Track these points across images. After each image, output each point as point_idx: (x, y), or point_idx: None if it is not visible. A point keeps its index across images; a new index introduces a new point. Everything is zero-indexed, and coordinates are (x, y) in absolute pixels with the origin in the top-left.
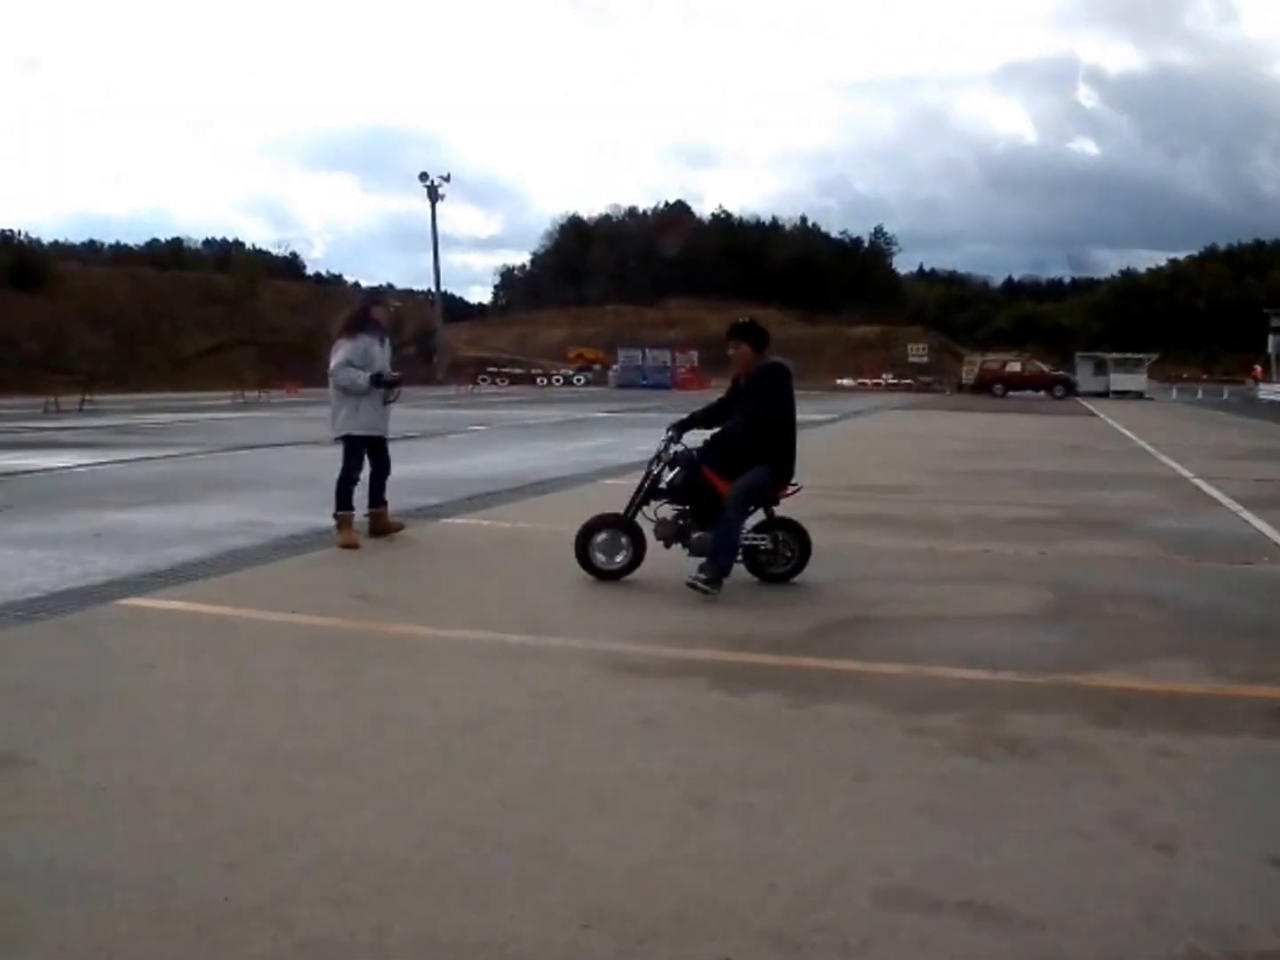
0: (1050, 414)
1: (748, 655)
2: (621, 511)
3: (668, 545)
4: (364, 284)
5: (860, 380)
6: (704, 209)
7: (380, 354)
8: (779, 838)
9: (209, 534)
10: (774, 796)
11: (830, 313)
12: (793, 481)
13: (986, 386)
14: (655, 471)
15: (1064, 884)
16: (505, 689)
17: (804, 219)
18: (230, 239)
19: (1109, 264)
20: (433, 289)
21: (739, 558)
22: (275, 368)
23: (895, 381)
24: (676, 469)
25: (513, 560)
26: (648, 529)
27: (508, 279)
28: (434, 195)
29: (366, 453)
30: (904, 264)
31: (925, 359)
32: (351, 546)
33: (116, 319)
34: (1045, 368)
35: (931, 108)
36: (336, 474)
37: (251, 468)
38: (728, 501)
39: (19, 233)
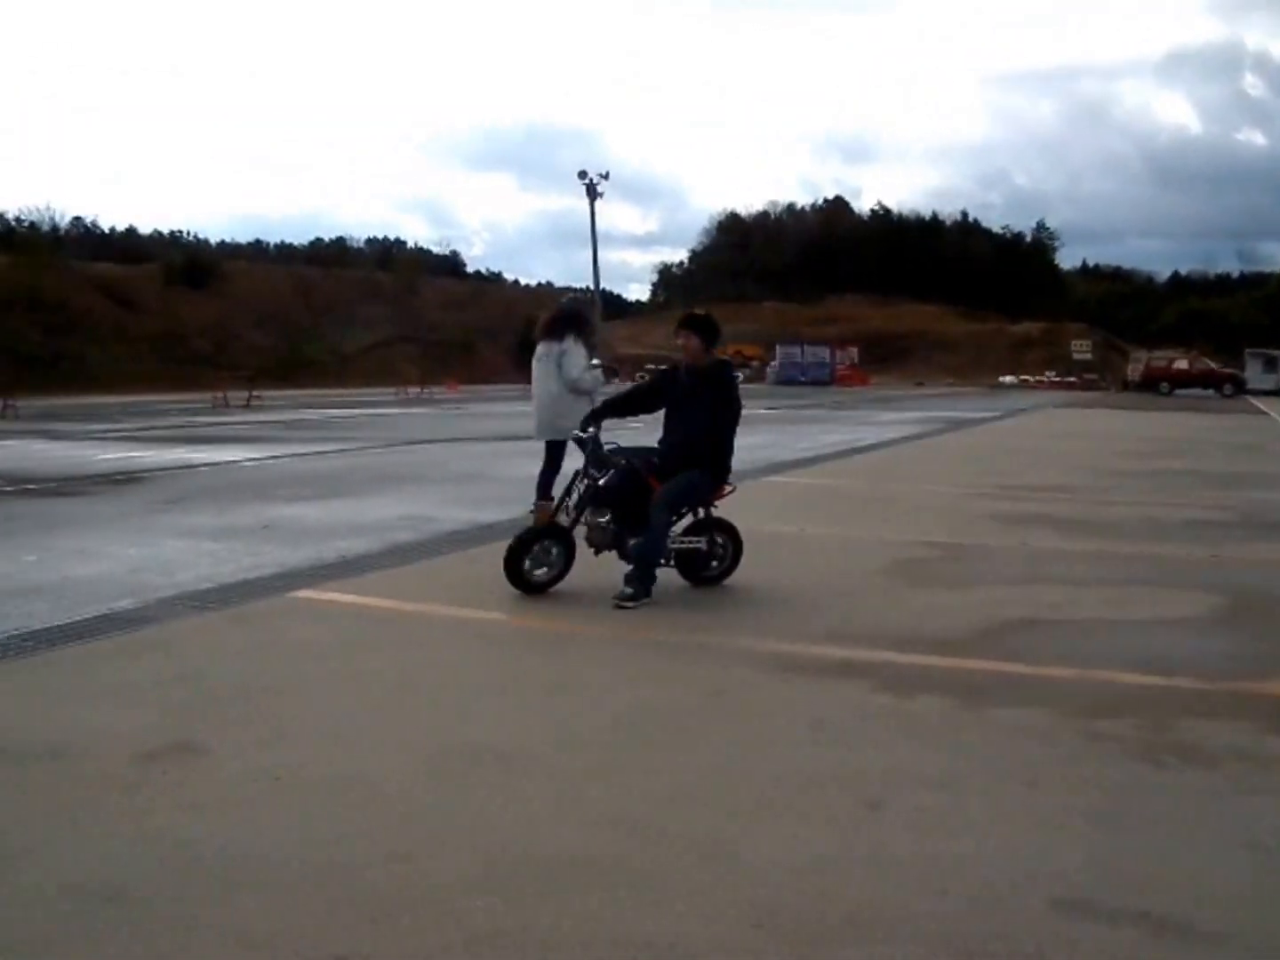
0: (1219, 413)
1: (914, 656)
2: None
3: (598, 552)
4: (522, 281)
5: (1023, 378)
6: (862, 205)
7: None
8: (951, 842)
9: (375, 528)
10: (945, 800)
11: (992, 309)
12: (729, 481)
13: (1152, 384)
14: (589, 472)
15: (1245, 898)
16: (670, 686)
17: (964, 214)
18: (392, 238)
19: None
20: (591, 286)
21: (670, 561)
22: (436, 364)
23: (1058, 379)
24: (608, 470)
25: None
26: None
27: (666, 276)
28: (593, 193)
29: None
30: (1067, 259)
31: (1089, 356)
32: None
33: (282, 317)
34: (1214, 365)
35: (1093, 99)
36: (539, 467)
37: (415, 463)
38: (656, 504)
39: (188, 233)
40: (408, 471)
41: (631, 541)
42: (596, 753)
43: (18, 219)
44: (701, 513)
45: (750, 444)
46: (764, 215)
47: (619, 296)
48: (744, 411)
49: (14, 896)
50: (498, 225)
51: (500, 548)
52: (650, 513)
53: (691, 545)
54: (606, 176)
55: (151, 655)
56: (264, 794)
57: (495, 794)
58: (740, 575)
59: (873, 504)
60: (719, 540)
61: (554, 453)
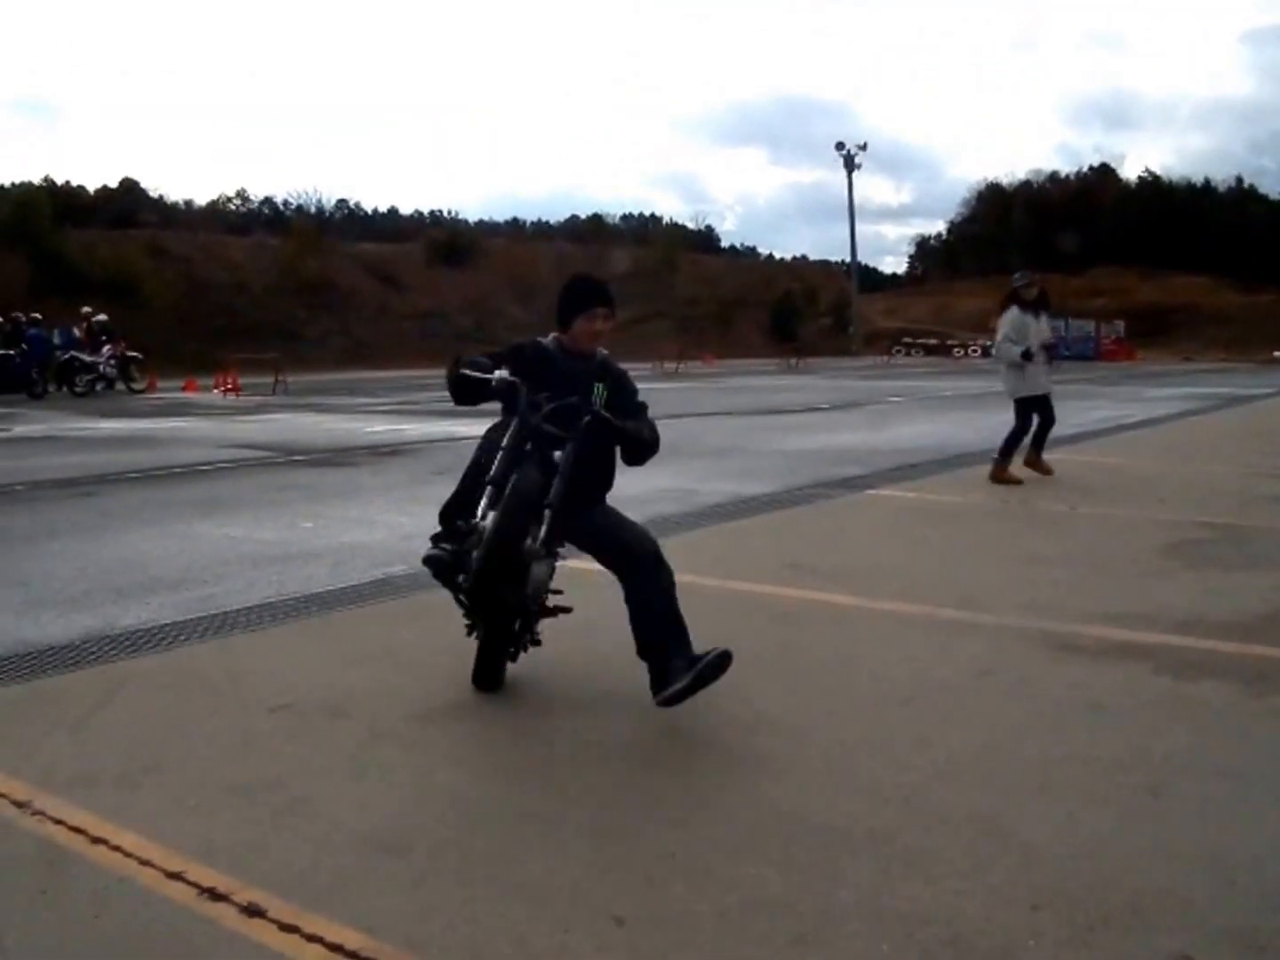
0: None
1: (1196, 640)
2: None
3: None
4: (776, 256)
5: None
6: (1126, 172)
7: (1035, 326)
8: (1238, 833)
9: (640, 500)
10: (1231, 789)
11: (1270, 280)
12: None
13: None
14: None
15: None
16: (940, 663)
17: (1239, 180)
18: (647, 214)
19: None
20: (848, 259)
21: None
22: (692, 339)
23: None
24: None
25: (941, 533)
26: None
27: (923, 248)
28: (850, 165)
29: (1036, 409)
30: None
31: None
32: (1011, 482)
33: (540, 293)
34: None
35: None
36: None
37: (676, 437)
38: None
39: (448, 212)
40: (669, 445)
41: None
42: (868, 725)
43: (285, 203)
44: None
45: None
46: (1026, 184)
47: (875, 269)
48: (999, 389)
49: (303, 845)
50: (749, 199)
51: (763, 524)
52: None
53: None
54: (864, 148)
55: (423, 619)
56: (532, 754)
57: (768, 763)
58: (1008, 552)
59: (1144, 482)
60: None
61: (1019, 410)
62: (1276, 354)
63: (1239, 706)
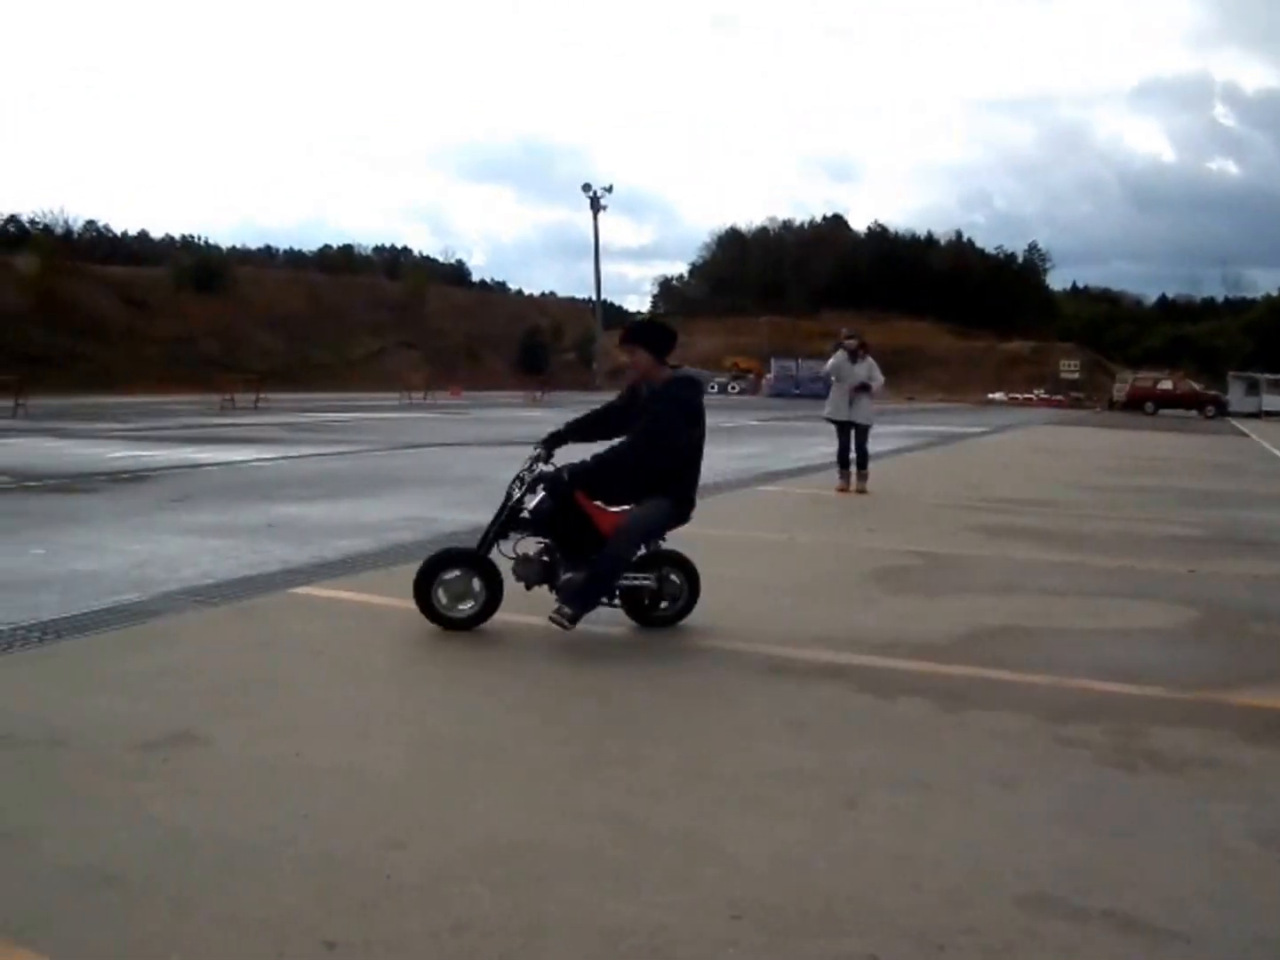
0: (1201, 433)
1: (896, 660)
2: (477, 544)
3: (529, 587)
4: (525, 291)
5: (1011, 395)
6: (855, 222)
7: (850, 369)
8: (925, 840)
9: (376, 528)
10: (920, 799)
11: (984, 327)
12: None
13: (1138, 404)
14: (517, 495)
15: (1209, 899)
16: (652, 685)
17: (959, 234)
18: (399, 246)
19: (1263, 283)
20: (593, 297)
21: (616, 601)
22: (441, 371)
23: (1046, 397)
24: (541, 493)
25: None
26: (505, 567)
27: (666, 288)
28: (596, 206)
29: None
30: (1056, 280)
31: (1077, 375)
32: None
33: (289, 321)
34: (1198, 387)
35: (1070, 124)
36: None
37: (418, 465)
38: (617, 536)
39: (198, 238)
40: (410, 474)
41: (565, 575)
42: (581, 747)
43: (31, 221)
44: (647, 547)
45: (743, 453)
46: (763, 231)
47: (619, 308)
48: (734, 424)
49: (14, 877)
50: (496, 236)
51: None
52: (609, 543)
53: (639, 582)
54: (610, 189)
55: (154, 648)
56: (259, 783)
57: (483, 785)
58: (733, 579)
59: (858, 513)
60: (672, 577)
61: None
62: (990, 396)
63: (930, 721)
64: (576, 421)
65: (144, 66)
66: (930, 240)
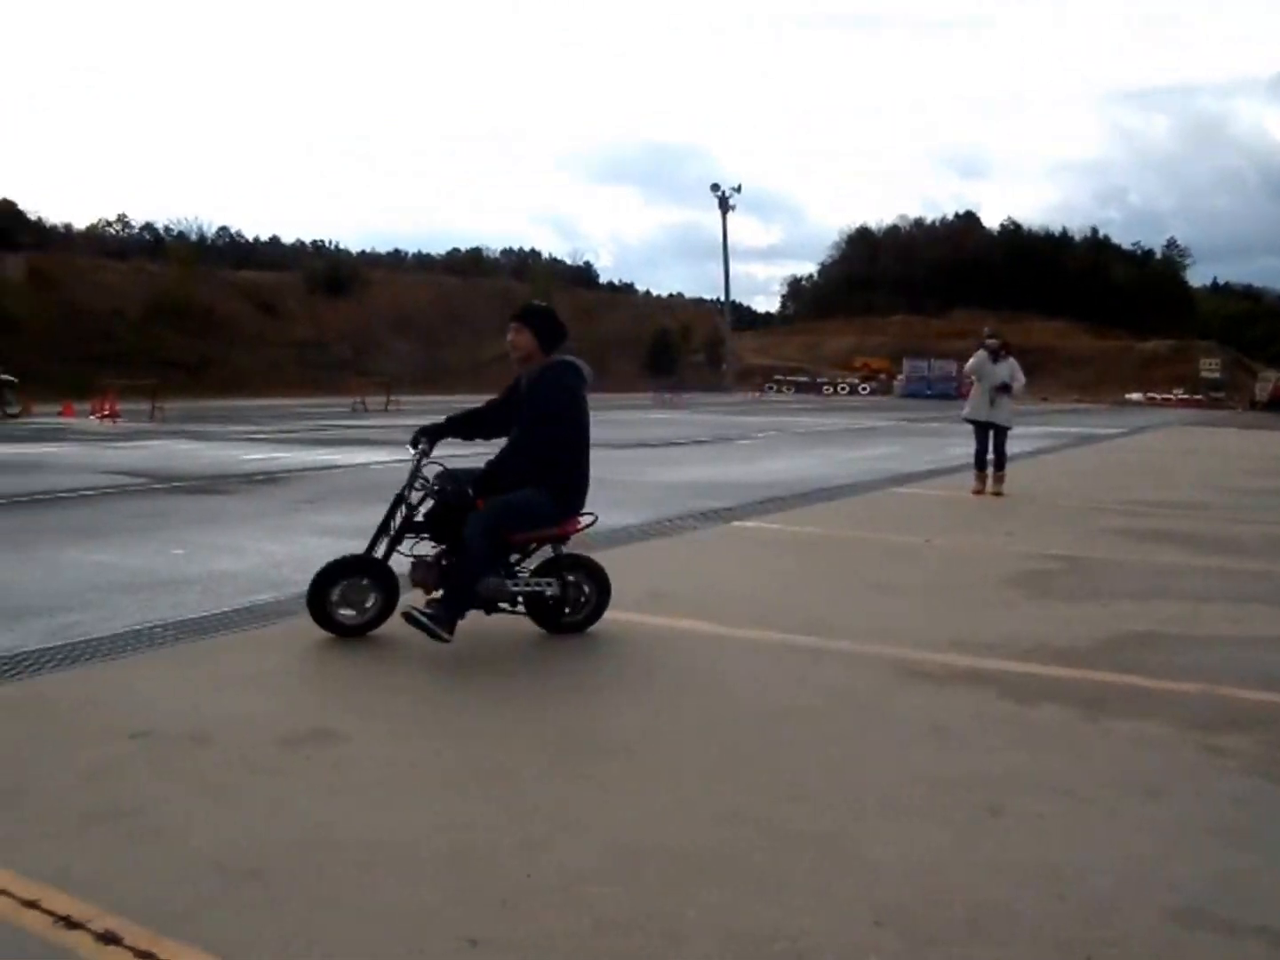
0: None
1: (1037, 666)
2: (377, 548)
3: (427, 592)
4: (653, 292)
5: (1149, 395)
6: (987, 220)
7: (991, 369)
8: (1070, 849)
9: None
10: (1065, 808)
11: (1121, 326)
12: (585, 511)
13: None
14: (407, 498)
15: None
16: (793, 688)
17: (1094, 230)
18: (527, 249)
19: None
20: (721, 298)
21: (519, 607)
22: None
23: (1186, 397)
24: (439, 495)
25: (800, 563)
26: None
27: (795, 288)
28: (724, 206)
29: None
30: (1196, 277)
31: (1218, 374)
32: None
33: (420, 324)
34: None
35: (1207, 116)
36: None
37: None
38: (470, 523)
39: (330, 242)
40: None
41: None
42: (721, 749)
43: (166, 229)
44: (551, 550)
45: (875, 454)
46: (894, 229)
47: (748, 308)
48: (865, 425)
49: (163, 870)
50: (622, 237)
51: (630, 551)
52: (465, 533)
53: (538, 589)
54: (739, 189)
55: (291, 646)
56: (400, 781)
57: (622, 787)
58: (862, 581)
59: (996, 516)
60: (572, 580)
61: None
62: (1127, 396)
63: (1074, 728)
64: (457, 416)
65: (283, 72)
66: (1065, 237)
